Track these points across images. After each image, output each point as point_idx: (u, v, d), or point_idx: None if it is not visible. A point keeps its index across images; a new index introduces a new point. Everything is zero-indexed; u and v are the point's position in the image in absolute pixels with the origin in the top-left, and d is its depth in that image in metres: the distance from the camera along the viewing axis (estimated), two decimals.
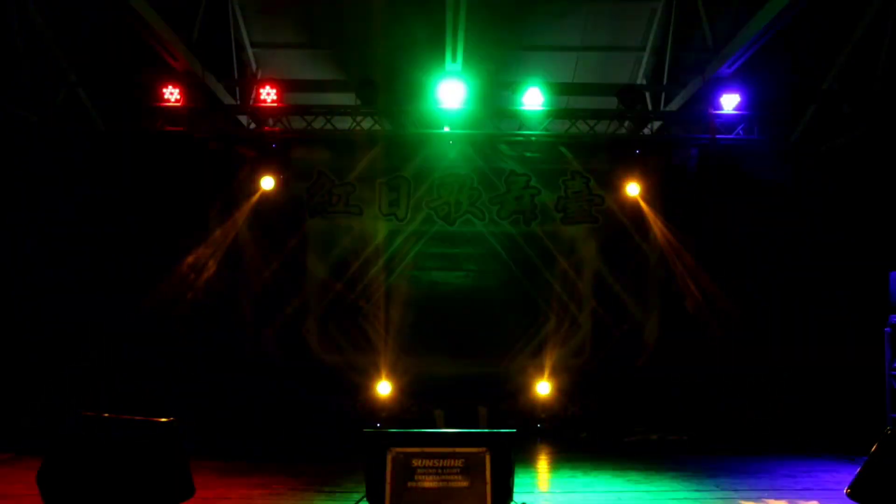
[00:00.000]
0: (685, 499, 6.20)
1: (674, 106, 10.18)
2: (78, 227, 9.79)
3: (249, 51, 10.52)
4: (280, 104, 9.71)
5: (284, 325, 10.30)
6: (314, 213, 10.37)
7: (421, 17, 9.47)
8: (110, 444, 4.77)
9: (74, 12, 8.97)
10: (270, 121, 10.24)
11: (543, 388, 10.07)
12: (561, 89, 10.23)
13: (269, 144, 10.00)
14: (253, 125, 10.47)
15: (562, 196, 10.45)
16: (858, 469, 5.04)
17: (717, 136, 9.62)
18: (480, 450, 4.98)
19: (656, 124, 10.58)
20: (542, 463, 8.21)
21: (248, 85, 10.13)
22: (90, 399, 8.90)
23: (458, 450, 4.99)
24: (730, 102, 9.52)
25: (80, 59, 9.43)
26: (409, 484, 4.92)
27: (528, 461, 8.06)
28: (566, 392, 10.16)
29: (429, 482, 4.94)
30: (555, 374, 10.14)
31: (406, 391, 10.04)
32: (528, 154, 10.44)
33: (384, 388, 9.94)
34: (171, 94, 9.34)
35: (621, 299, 10.42)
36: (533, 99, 9.57)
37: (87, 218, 9.82)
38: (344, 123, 10.19)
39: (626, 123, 10.34)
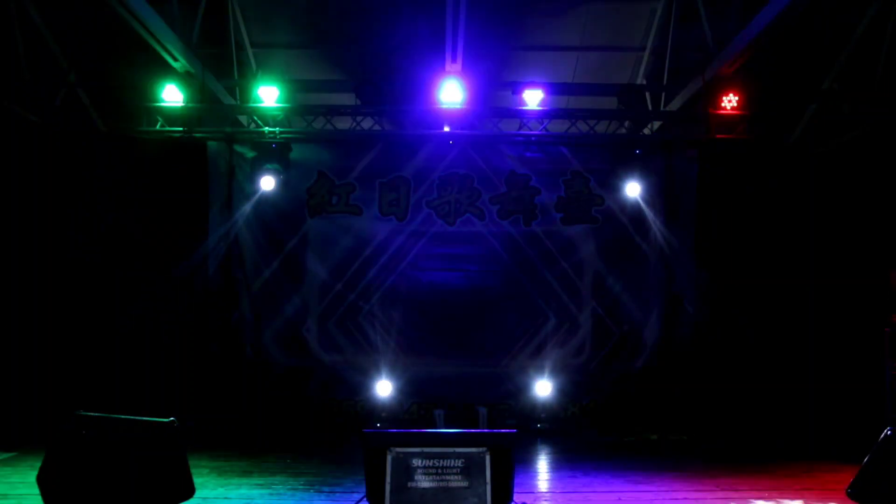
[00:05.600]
0: (685, 499, 6.20)
1: (674, 106, 10.17)
2: (77, 229, 9.80)
3: (249, 51, 10.52)
4: (280, 104, 9.72)
5: (284, 325, 10.31)
6: (314, 213, 10.38)
7: (421, 16, 9.46)
8: (110, 444, 4.77)
9: (74, 12, 8.96)
10: (270, 121, 10.24)
11: (543, 388, 10.07)
12: (561, 89, 10.22)
13: (269, 144, 10.00)
14: (253, 125, 10.48)
15: (562, 196, 10.45)
16: (858, 469, 5.04)
17: (717, 136, 9.62)
18: (480, 450, 4.98)
19: (656, 124, 10.58)
20: (542, 463, 8.21)
21: (247, 85, 10.13)
22: (91, 399, 8.89)
23: (458, 450, 4.99)
24: (730, 102, 9.51)
25: (80, 59, 9.43)
26: (409, 484, 4.92)
27: (528, 461, 8.05)
28: (566, 392, 10.16)
29: (429, 482, 4.94)
30: (555, 374, 10.15)
31: (406, 391, 10.05)
32: (528, 154, 10.45)
33: (384, 388, 9.94)
34: (171, 94, 9.35)
35: (621, 299, 10.43)
36: (533, 99, 9.57)
37: (86, 218, 9.83)
38: (344, 123, 10.19)
39: (626, 123, 10.35)
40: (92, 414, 4.88)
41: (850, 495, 5.03)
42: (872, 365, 8.20)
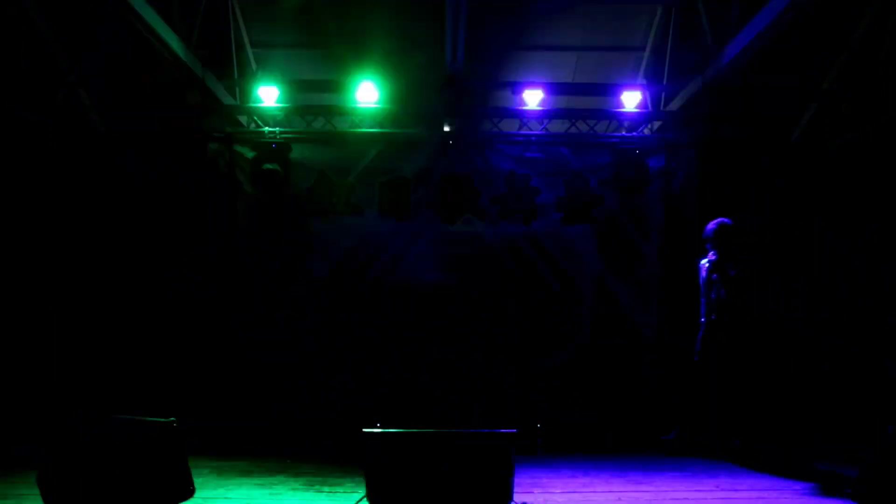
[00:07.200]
0: (685, 499, 6.20)
1: (674, 106, 10.19)
2: (76, 229, 9.80)
3: (249, 51, 10.53)
4: (280, 104, 9.73)
5: (285, 326, 10.30)
6: (314, 214, 10.38)
7: (421, 16, 9.48)
8: (110, 444, 4.77)
9: (74, 12, 8.97)
10: (270, 121, 10.25)
11: (544, 387, 10.07)
12: (561, 89, 10.23)
13: (269, 144, 10.02)
14: (253, 125, 10.49)
15: (561, 196, 10.45)
16: (859, 469, 5.04)
17: (718, 136, 9.63)
18: (481, 449, 4.98)
19: (656, 124, 10.58)
20: (543, 463, 8.21)
21: (247, 85, 10.13)
22: (91, 399, 8.91)
23: (458, 450, 4.99)
24: (729, 102, 9.53)
25: (80, 59, 9.44)
26: (409, 483, 4.92)
27: (528, 461, 8.06)
28: (566, 392, 10.16)
29: (428, 482, 4.93)
30: (554, 373, 10.15)
31: (406, 390, 10.04)
32: (528, 154, 10.44)
33: (384, 388, 9.94)
34: (171, 93, 9.36)
35: (621, 299, 10.43)
36: (533, 99, 9.57)
37: (84, 219, 9.84)
38: (344, 123, 10.20)
39: (626, 123, 10.35)
40: (92, 414, 4.88)
41: (851, 496, 5.03)
42: (873, 365, 8.21)
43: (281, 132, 10.02)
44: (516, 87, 9.66)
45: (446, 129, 10.13)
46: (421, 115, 9.98)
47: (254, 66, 10.66)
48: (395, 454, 4.98)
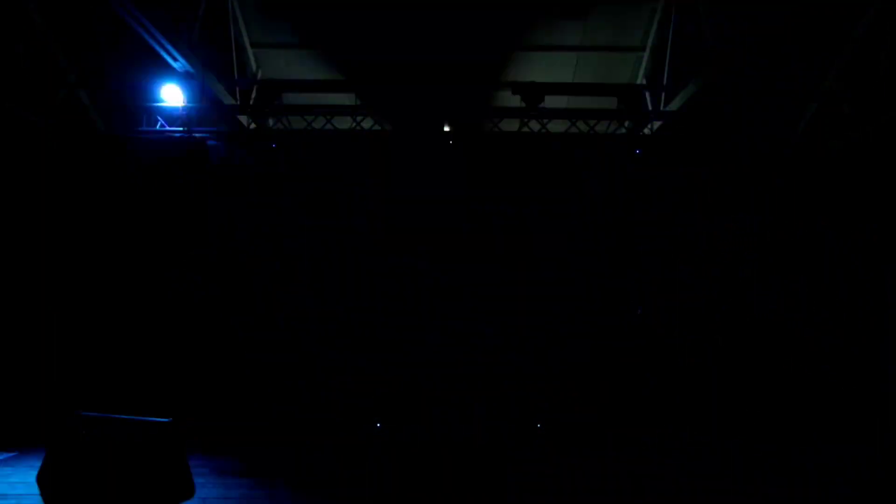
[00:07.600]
0: (689, 492, 6.21)
1: (674, 106, 10.18)
2: (76, 229, 9.81)
3: (249, 51, 10.53)
4: (280, 104, 9.73)
5: (285, 326, 10.30)
6: (314, 213, 10.37)
7: (421, 16, 9.47)
8: (110, 444, 4.77)
9: (75, 12, 8.97)
10: (270, 121, 10.25)
11: (544, 387, 10.06)
12: (561, 89, 10.22)
13: (268, 144, 10.01)
14: (253, 125, 10.48)
15: (562, 196, 10.43)
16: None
17: (717, 136, 9.61)
18: (476, 450, 4.99)
19: (656, 124, 10.58)
20: (542, 462, 8.20)
21: (248, 85, 10.13)
22: (91, 398, 8.91)
23: (456, 449, 5.00)
24: (729, 102, 9.51)
25: (80, 59, 9.43)
26: (410, 483, 4.93)
27: (529, 460, 8.05)
28: (566, 392, 10.15)
29: (427, 481, 4.94)
30: (555, 373, 10.14)
31: (406, 390, 10.04)
32: (528, 153, 10.42)
33: (384, 388, 9.94)
34: (171, 94, 9.37)
35: (622, 299, 10.42)
36: (533, 98, 9.56)
37: (86, 218, 9.84)
38: (344, 123, 10.19)
39: (626, 123, 10.34)
40: (92, 414, 4.89)
41: None
42: (871, 363, 8.21)
43: (281, 132, 10.01)
44: (517, 87, 9.64)
45: (447, 128, 10.09)
46: (421, 115, 9.96)
47: (254, 66, 10.66)
48: (395, 455, 4.98)
